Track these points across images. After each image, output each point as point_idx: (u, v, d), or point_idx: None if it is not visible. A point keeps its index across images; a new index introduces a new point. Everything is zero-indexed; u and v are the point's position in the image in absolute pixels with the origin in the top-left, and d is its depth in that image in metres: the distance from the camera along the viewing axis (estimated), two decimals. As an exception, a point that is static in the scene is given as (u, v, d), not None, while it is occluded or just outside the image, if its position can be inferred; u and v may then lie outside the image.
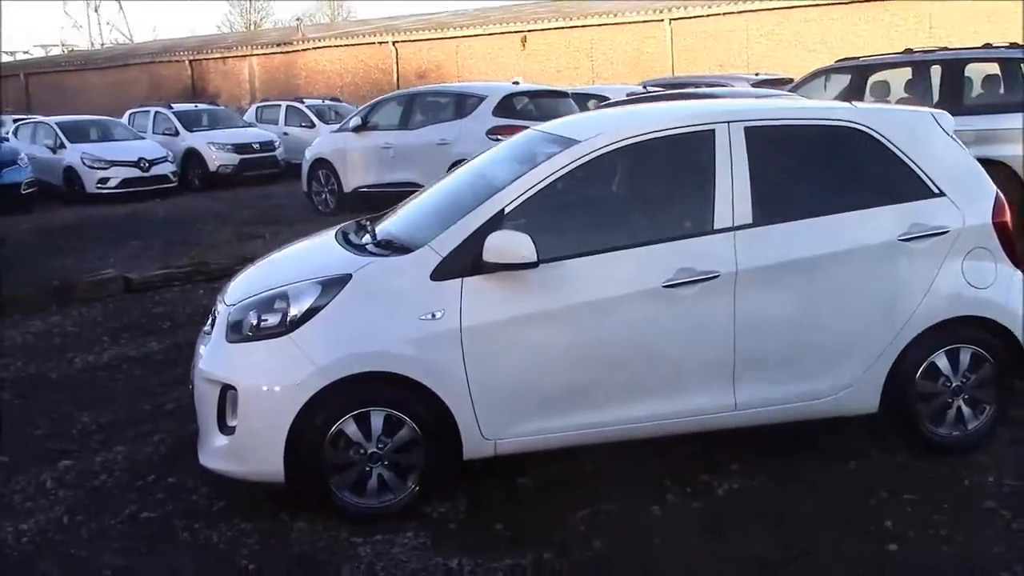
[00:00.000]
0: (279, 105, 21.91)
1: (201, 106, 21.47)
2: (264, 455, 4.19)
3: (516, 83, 13.79)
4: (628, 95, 13.18)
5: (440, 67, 32.39)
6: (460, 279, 4.23)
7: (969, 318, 4.68)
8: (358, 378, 4.19)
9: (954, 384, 4.70)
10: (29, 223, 14.56)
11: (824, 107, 5.14)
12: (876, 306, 4.55)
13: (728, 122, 4.55)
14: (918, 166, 4.64)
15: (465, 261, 4.23)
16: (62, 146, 17.58)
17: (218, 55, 40.08)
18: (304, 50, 37.15)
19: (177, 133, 19.36)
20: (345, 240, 4.83)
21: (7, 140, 17.43)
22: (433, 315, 4.19)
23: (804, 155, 4.76)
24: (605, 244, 4.44)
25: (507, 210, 4.32)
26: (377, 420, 4.23)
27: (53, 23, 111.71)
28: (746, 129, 4.55)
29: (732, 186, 4.45)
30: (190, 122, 19.71)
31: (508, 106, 12.47)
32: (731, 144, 4.49)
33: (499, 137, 11.92)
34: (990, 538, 3.94)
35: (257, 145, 19.29)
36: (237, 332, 4.36)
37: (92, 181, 17.06)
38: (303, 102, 21.84)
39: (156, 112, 20.14)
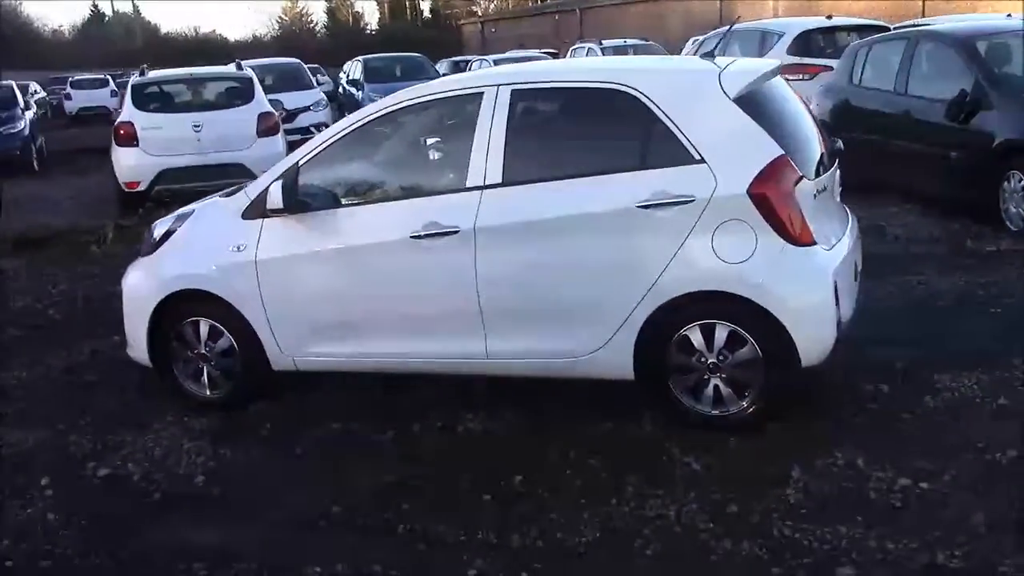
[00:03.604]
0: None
1: (631, 41, 22.60)
2: (137, 344, 5.50)
3: (829, 17, 12.97)
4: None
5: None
6: (261, 219, 5.09)
7: (721, 294, 4.43)
8: (188, 293, 5.29)
9: (709, 361, 4.50)
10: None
11: (595, 68, 4.98)
12: (613, 272, 4.52)
13: (498, 85, 4.77)
14: (681, 130, 4.44)
15: (264, 205, 5.07)
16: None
17: (745, -15, 40.61)
18: (830, -19, 36.28)
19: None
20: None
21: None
22: (239, 247, 5.13)
23: (563, 117, 4.81)
24: (374, 196, 5.01)
25: (301, 163, 5.06)
26: (204, 328, 5.31)
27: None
28: (512, 91, 4.74)
29: (488, 146, 4.70)
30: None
31: (806, 44, 11.93)
32: (495, 106, 4.73)
33: (787, 77, 11.62)
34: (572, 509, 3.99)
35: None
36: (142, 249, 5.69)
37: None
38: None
39: (590, 47, 21.74)
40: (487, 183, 4.68)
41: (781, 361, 4.42)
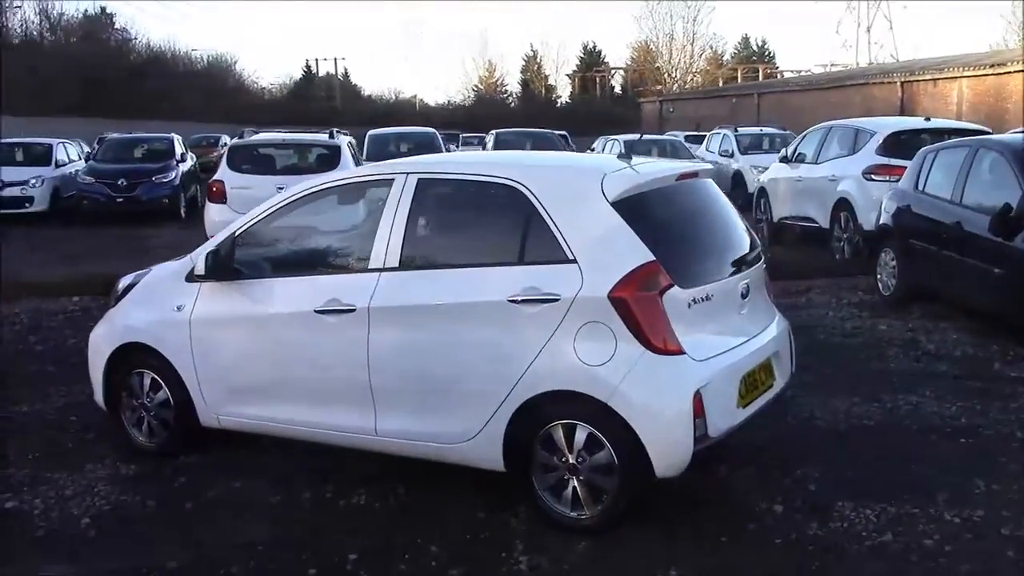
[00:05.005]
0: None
1: (767, 130, 22.24)
2: (96, 387, 5.91)
3: (927, 119, 12.46)
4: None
5: None
6: (199, 283, 5.42)
7: (580, 395, 4.40)
8: (135, 345, 5.66)
9: (569, 461, 4.46)
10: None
11: (492, 162, 5.02)
12: (485, 363, 4.57)
13: (407, 173, 4.95)
14: (559, 229, 4.48)
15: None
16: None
17: (929, 77, 39.31)
18: (1018, 72, 34.71)
19: (732, 155, 20.57)
20: None
21: None
22: (179, 307, 5.47)
23: (459, 208, 4.91)
24: (291, 270, 5.26)
25: (238, 233, 5.38)
26: (146, 380, 5.67)
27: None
28: (419, 180, 4.91)
29: (391, 231, 4.87)
30: (750, 146, 20.73)
31: (897, 144, 11.51)
32: (402, 193, 4.90)
33: (873, 177, 11.35)
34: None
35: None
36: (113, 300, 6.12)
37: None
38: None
39: (724, 134, 21.57)
40: (386, 266, 4.84)
41: (636, 470, 4.34)
